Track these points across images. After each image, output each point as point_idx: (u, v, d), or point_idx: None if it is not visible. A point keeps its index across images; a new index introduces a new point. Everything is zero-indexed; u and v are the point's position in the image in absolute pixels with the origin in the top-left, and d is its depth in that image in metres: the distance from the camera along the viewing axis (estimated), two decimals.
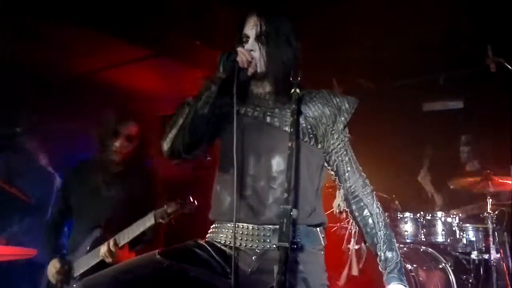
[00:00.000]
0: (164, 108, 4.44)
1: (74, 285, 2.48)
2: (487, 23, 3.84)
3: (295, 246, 1.52)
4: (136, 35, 3.95)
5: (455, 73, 4.81)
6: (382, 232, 1.68)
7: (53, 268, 2.54)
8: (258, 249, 1.60)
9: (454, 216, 3.66)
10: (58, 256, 2.57)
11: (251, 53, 1.69)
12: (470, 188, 3.65)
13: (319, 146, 1.72)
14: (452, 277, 3.50)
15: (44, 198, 3.49)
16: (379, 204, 1.73)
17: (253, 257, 1.60)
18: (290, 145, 1.52)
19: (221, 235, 1.68)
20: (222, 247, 1.66)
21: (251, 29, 1.73)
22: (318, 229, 1.69)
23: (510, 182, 3.55)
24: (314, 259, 1.65)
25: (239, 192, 1.62)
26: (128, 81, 4.70)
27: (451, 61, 4.57)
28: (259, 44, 1.71)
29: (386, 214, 3.75)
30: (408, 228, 3.72)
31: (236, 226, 1.62)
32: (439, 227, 3.65)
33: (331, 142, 1.73)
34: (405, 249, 3.65)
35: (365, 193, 1.72)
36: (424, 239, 3.69)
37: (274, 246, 1.53)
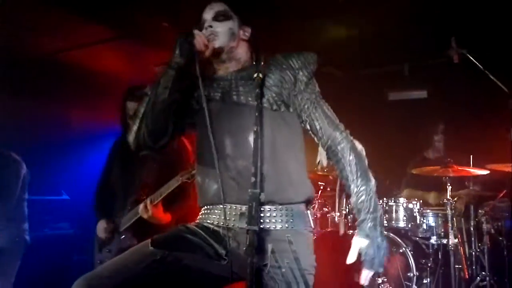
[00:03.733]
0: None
1: (122, 237, 2.90)
2: (451, 14, 3.93)
3: (290, 227, 1.58)
4: (103, 16, 3.87)
5: (420, 64, 4.93)
6: (355, 183, 1.64)
7: (101, 226, 2.95)
8: (243, 229, 1.58)
9: (415, 202, 3.77)
10: (105, 216, 2.98)
11: (212, 30, 1.68)
12: (431, 174, 3.76)
13: (291, 110, 1.70)
14: (411, 261, 3.62)
15: (8, 185, 3.40)
16: (357, 153, 1.67)
17: (240, 237, 1.60)
18: (255, 129, 1.52)
19: (213, 216, 1.68)
20: (215, 228, 1.67)
21: (209, 10, 1.73)
22: (308, 211, 1.69)
23: (469, 170, 3.68)
24: (304, 240, 1.66)
25: (223, 175, 1.61)
26: (94, 62, 4.60)
27: (415, 52, 4.67)
28: (218, 22, 1.71)
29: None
30: None
31: (227, 207, 1.62)
32: (401, 213, 3.75)
33: (298, 103, 1.70)
34: None
35: (341, 145, 1.68)
36: (387, 224, 3.78)
37: (265, 226, 1.57)
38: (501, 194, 3.73)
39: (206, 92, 1.69)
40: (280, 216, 1.62)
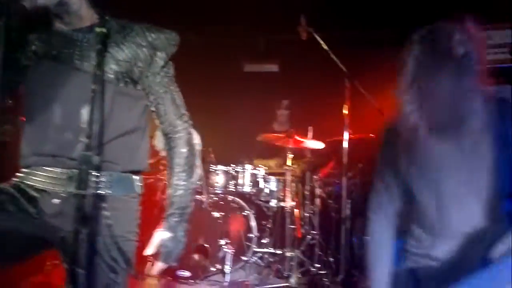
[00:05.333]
0: None
1: None
2: None
3: (103, 193, 1.51)
4: None
5: (274, 38, 5.18)
6: (178, 176, 1.65)
7: None
8: (63, 193, 1.52)
9: (260, 169, 4.02)
10: None
11: None
12: (274, 143, 4.03)
13: (138, 87, 1.62)
14: (253, 223, 3.88)
15: None
16: (191, 148, 1.67)
17: (57, 200, 1.53)
18: (93, 88, 1.42)
19: (31, 176, 1.56)
20: (27, 188, 1.56)
21: None
22: (134, 176, 1.63)
23: (307, 141, 4.03)
24: (123, 205, 1.60)
25: (44, 141, 1.52)
26: None
27: (271, 26, 4.87)
28: None
29: (201, 166, 4.04)
30: (219, 179, 3.96)
31: (43, 169, 1.53)
32: (247, 178, 3.97)
33: (148, 84, 1.62)
34: (215, 198, 3.90)
35: (178, 135, 1.66)
36: (234, 190, 3.98)
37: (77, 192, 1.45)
38: (332, 163, 4.19)
39: (45, 50, 1.54)
40: (104, 182, 1.55)
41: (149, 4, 4.10)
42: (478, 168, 1.46)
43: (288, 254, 3.66)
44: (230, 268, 3.52)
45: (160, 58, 1.63)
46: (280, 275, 3.72)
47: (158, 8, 4.31)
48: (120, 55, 1.57)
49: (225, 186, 3.97)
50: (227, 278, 3.49)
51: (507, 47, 2.82)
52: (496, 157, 1.44)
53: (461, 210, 1.45)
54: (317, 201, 4.14)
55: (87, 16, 1.60)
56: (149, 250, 1.62)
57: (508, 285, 1.34)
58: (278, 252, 3.80)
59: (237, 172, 3.98)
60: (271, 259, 3.84)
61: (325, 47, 3.80)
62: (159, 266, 1.64)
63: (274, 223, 3.99)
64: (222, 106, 5.02)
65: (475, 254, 1.40)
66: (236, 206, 3.99)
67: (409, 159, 1.55)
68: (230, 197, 4.00)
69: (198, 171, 1.70)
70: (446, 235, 1.47)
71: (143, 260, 3.62)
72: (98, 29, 1.52)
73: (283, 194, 3.97)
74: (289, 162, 3.89)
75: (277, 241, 3.95)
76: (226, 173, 3.99)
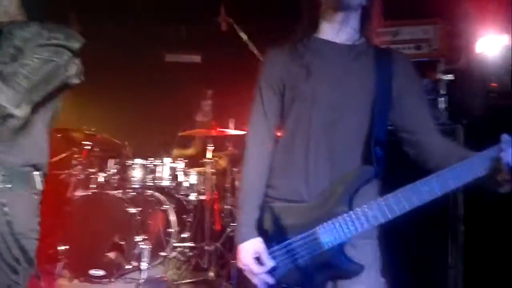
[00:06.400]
0: None
1: None
2: None
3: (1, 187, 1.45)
4: None
5: (196, 28, 5.07)
6: None
7: None
8: None
9: (180, 162, 3.93)
10: None
11: None
12: (195, 135, 3.96)
13: None
14: (172, 217, 3.80)
15: None
16: None
17: None
18: None
19: None
20: None
21: None
22: (35, 172, 1.56)
23: (228, 132, 4.00)
24: (23, 201, 1.53)
25: None
26: None
27: (192, 15, 4.76)
28: None
29: (117, 160, 3.89)
30: (136, 174, 3.81)
31: None
32: (166, 172, 3.87)
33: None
34: (133, 193, 3.76)
35: None
36: (152, 184, 3.86)
37: None
38: None
39: None
40: (2, 176, 1.49)
41: None
42: (354, 112, 1.43)
43: (207, 247, 3.62)
44: (147, 265, 3.41)
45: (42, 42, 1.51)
46: (199, 269, 3.67)
47: None
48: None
49: (143, 180, 3.84)
50: (144, 275, 3.39)
51: (413, 42, 2.93)
52: (373, 106, 1.43)
53: (332, 152, 1.42)
54: (237, 192, 4.11)
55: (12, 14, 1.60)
56: None
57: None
58: (198, 245, 3.75)
59: (155, 165, 3.86)
60: (190, 253, 3.78)
61: (244, 38, 3.77)
62: None
63: (194, 217, 3.93)
64: (141, 98, 4.85)
65: (341, 196, 1.38)
66: (154, 200, 3.89)
67: (290, 91, 1.48)
68: (148, 192, 3.88)
69: None
70: (316, 177, 1.42)
71: (47, 260, 3.44)
72: None
73: (204, 187, 3.91)
74: (209, 155, 3.84)
75: (197, 235, 3.90)
76: (144, 167, 3.86)
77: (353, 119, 1.44)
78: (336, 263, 1.38)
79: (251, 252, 1.42)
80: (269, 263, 1.41)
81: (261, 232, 1.45)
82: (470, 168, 1.31)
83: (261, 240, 1.43)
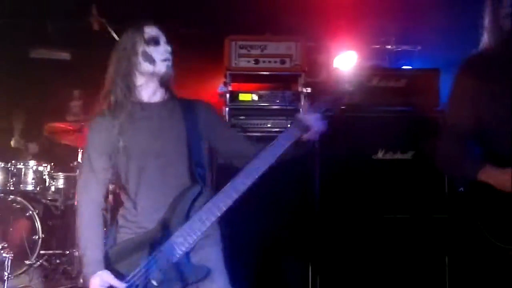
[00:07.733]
0: None
1: None
2: None
3: None
4: None
5: (65, 24, 4.82)
6: None
7: None
8: None
9: (46, 165, 3.75)
10: None
11: None
12: (61, 139, 3.80)
13: None
14: (38, 224, 3.61)
15: None
16: None
17: None
18: None
19: None
20: None
21: None
22: None
23: None
24: None
25: None
26: None
27: (61, 11, 4.53)
28: None
29: None
30: None
31: None
32: (30, 176, 3.67)
33: None
34: None
35: None
36: (14, 188, 3.63)
37: None
38: None
39: None
40: None
41: None
42: (175, 147, 1.68)
43: (76, 253, 3.52)
44: (8, 275, 3.21)
45: None
46: (68, 276, 3.55)
47: None
48: None
49: (4, 185, 3.58)
50: (6, 285, 3.18)
51: (278, 57, 3.20)
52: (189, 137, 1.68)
53: (164, 183, 1.64)
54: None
55: None
56: None
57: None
58: (67, 252, 3.63)
59: (18, 168, 3.63)
60: (58, 261, 3.64)
61: (117, 38, 3.73)
62: None
63: (64, 222, 3.78)
64: (2, 96, 4.48)
65: (179, 213, 1.60)
66: (18, 206, 3.65)
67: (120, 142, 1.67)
68: (10, 197, 3.64)
69: None
70: (151, 206, 1.63)
71: None
72: None
73: (73, 191, 3.77)
74: (80, 158, 3.72)
75: (66, 241, 3.76)
76: (6, 170, 3.61)
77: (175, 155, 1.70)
78: (184, 270, 1.57)
79: (100, 284, 1.55)
80: (122, 285, 1.55)
81: (115, 267, 1.60)
82: (282, 142, 1.64)
83: (108, 271, 1.56)
